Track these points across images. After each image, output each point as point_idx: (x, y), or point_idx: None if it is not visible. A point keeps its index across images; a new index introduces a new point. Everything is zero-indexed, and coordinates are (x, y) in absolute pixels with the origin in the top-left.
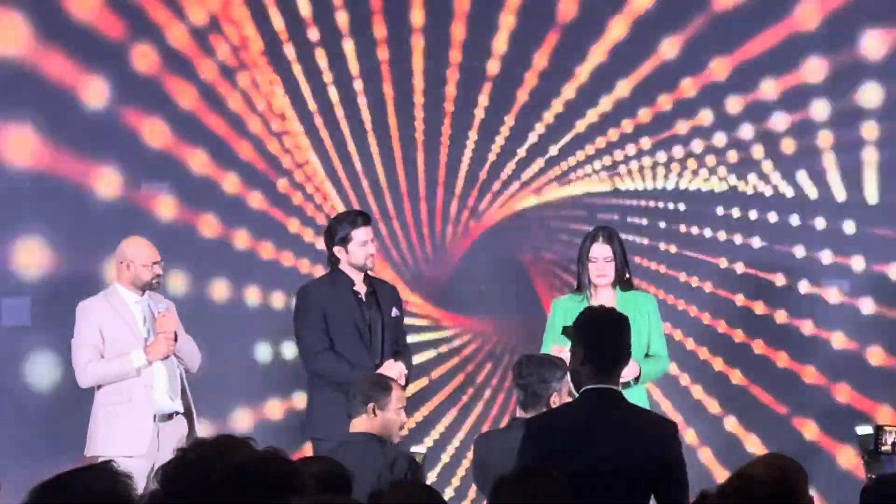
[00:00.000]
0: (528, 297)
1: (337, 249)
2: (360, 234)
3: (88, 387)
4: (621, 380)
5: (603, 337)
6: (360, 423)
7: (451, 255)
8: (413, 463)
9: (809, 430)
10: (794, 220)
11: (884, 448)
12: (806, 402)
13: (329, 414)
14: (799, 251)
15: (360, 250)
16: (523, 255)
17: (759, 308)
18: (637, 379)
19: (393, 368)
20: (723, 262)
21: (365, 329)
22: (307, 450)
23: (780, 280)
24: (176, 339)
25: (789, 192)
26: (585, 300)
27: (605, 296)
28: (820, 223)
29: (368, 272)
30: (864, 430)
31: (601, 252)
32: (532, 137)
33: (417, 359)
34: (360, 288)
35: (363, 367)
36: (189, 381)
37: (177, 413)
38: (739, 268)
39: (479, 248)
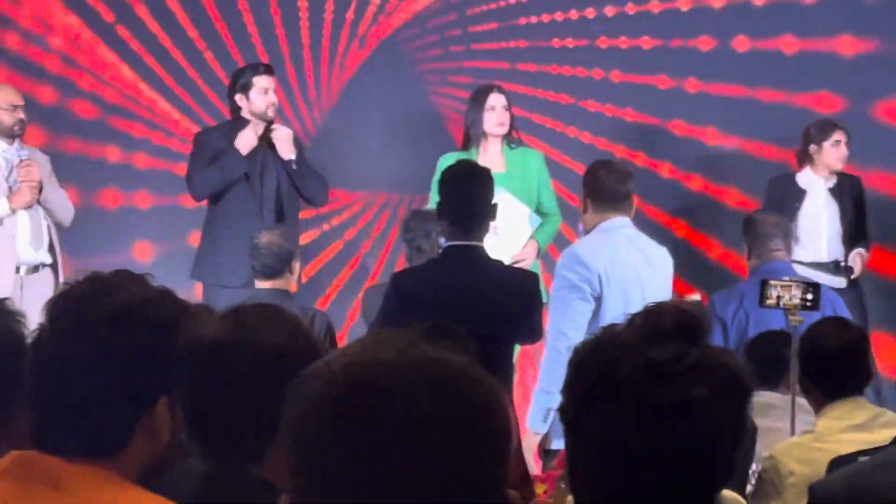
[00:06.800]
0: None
1: (238, 97)
2: (262, 82)
3: None
4: (520, 263)
5: (459, 193)
6: (277, 281)
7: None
8: (327, 317)
9: None
10: None
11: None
12: None
13: (219, 260)
14: None
15: (260, 98)
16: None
17: None
18: (538, 253)
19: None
20: None
21: (255, 175)
22: (196, 291)
23: None
24: (41, 190)
25: None
26: (474, 155)
27: (494, 150)
28: None
29: (270, 122)
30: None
31: (499, 101)
32: None
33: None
34: (257, 132)
35: (248, 213)
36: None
37: (43, 265)
38: None
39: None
